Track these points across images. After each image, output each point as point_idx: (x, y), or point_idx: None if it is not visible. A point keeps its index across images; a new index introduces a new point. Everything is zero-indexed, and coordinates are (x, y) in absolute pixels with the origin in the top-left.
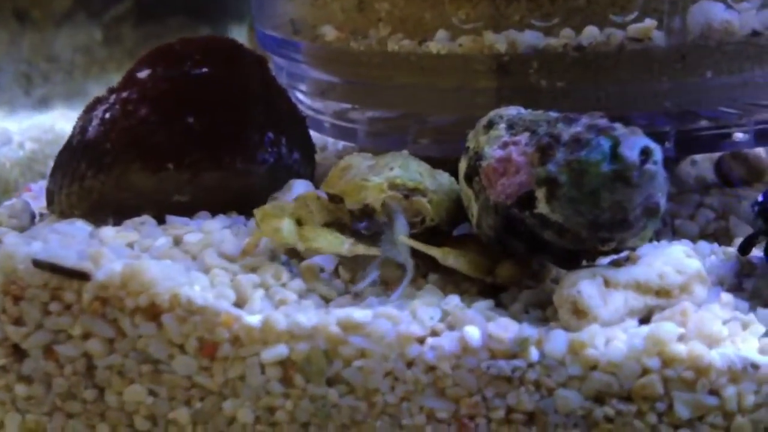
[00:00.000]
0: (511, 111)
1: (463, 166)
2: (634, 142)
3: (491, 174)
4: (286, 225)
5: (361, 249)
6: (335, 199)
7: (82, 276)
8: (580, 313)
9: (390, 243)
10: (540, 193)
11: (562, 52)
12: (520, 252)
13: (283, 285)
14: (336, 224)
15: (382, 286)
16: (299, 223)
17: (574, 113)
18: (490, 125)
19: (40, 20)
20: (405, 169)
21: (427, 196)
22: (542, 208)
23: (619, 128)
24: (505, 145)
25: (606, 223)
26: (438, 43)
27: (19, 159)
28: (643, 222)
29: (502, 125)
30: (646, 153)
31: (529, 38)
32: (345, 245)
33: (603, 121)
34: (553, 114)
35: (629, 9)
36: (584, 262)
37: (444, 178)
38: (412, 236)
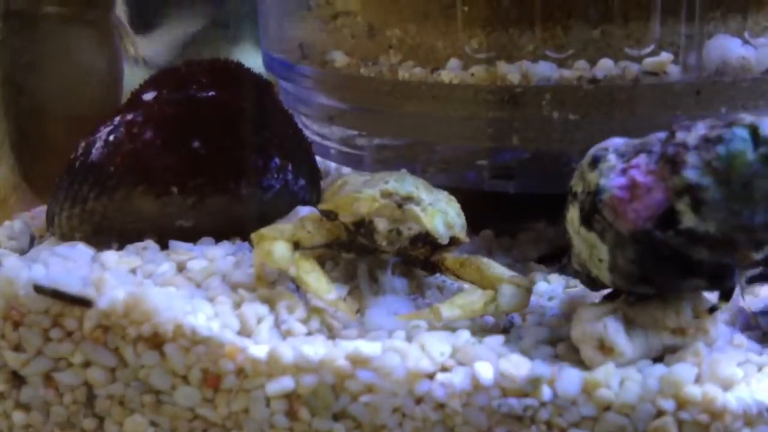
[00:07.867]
0: (616, 142)
1: (574, 214)
2: None
3: (617, 204)
4: (279, 248)
5: (343, 307)
6: (330, 215)
7: (85, 303)
8: (606, 350)
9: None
10: (682, 205)
11: (576, 84)
12: (671, 284)
13: (291, 314)
14: (335, 244)
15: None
16: (298, 245)
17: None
18: (596, 161)
19: None
20: (401, 182)
21: (421, 205)
22: (688, 220)
23: (746, 116)
24: (623, 172)
25: (762, 222)
26: (450, 72)
27: None
28: None
29: (611, 156)
30: None
31: (543, 70)
32: (330, 295)
33: (720, 121)
34: (659, 134)
35: (645, 42)
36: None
37: (442, 195)
38: (410, 257)
